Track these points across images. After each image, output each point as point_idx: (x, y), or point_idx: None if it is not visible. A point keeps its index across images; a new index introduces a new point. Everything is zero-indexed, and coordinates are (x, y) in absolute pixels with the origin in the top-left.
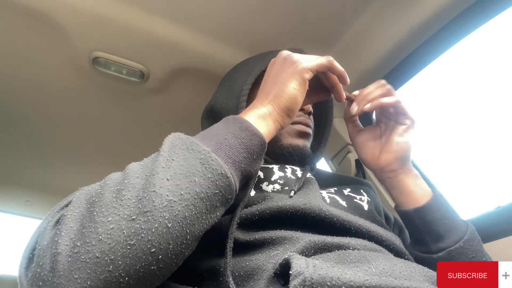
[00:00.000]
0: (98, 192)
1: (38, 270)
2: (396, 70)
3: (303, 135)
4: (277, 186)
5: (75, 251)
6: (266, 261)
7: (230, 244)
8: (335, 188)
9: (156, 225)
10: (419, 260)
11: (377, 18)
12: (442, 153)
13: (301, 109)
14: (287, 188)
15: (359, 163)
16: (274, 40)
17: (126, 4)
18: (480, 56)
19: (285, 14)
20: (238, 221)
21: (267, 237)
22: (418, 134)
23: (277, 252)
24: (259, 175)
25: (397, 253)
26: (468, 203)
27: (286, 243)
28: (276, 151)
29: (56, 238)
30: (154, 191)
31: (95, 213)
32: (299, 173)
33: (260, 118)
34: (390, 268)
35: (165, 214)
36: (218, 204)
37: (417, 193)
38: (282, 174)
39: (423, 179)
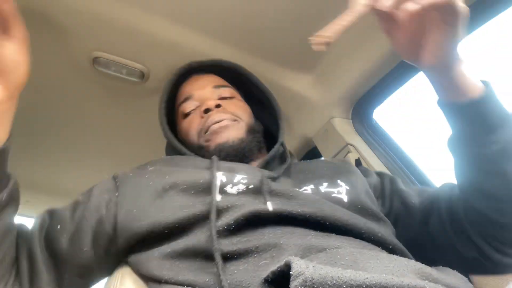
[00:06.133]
0: None
1: None
2: (396, 70)
3: (216, 131)
4: (241, 187)
5: None
6: (254, 272)
7: (219, 261)
8: (312, 186)
9: None
10: (474, 156)
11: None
12: (442, 153)
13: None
14: (251, 186)
15: (359, 163)
16: (274, 40)
17: (126, 4)
18: (480, 56)
19: (285, 14)
20: (217, 235)
21: (251, 246)
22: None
23: (264, 261)
24: (221, 179)
25: (379, 244)
26: None
27: (271, 250)
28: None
29: None
30: None
31: None
32: (263, 171)
33: None
34: (384, 266)
35: None
36: None
37: (474, 82)
38: (244, 175)
39: (423, 180)
